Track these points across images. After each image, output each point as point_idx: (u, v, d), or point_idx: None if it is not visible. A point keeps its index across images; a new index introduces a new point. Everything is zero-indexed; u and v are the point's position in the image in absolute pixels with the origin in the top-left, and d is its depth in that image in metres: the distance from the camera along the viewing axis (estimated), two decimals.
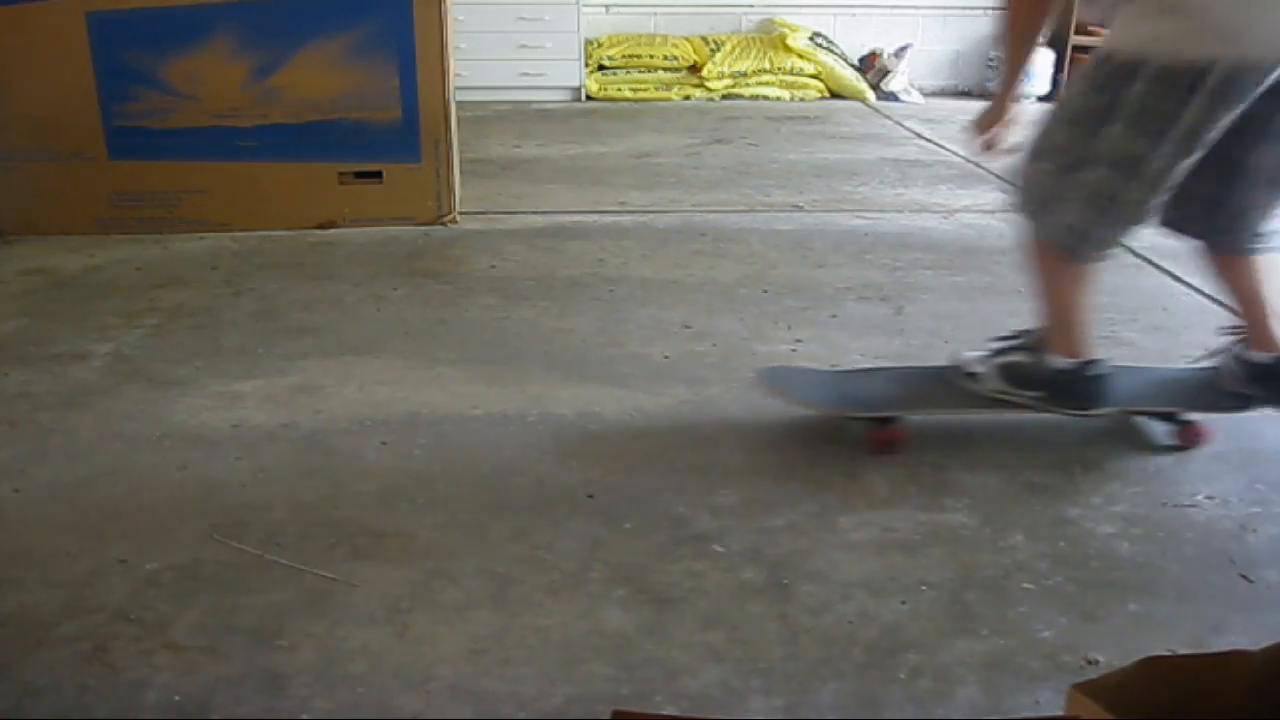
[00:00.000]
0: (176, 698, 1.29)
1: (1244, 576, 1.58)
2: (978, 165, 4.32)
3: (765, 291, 2.76)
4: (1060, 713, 0.91)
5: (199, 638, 1.40)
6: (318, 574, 1.54)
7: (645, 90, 5.81)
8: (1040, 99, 6.05)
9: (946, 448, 1.94)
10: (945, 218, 3.50)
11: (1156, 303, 2.73)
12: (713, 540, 1.64)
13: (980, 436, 1.99)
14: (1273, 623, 1.49)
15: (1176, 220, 1.85)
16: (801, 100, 5.84)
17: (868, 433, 1.93)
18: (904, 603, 1.50)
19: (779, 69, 5.81)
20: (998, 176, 4.11)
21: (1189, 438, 1.96)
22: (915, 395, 2.00)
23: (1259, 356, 1.89)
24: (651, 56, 5.83)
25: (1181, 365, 2.18)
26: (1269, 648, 0.93)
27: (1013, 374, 1.92)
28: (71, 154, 3.09)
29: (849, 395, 2.02)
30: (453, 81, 3.21)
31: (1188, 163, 1.67)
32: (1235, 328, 1.96)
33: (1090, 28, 6.06)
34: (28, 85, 3.03)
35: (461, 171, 3.40)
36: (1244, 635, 1.44)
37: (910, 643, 1.42)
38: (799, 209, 3.57)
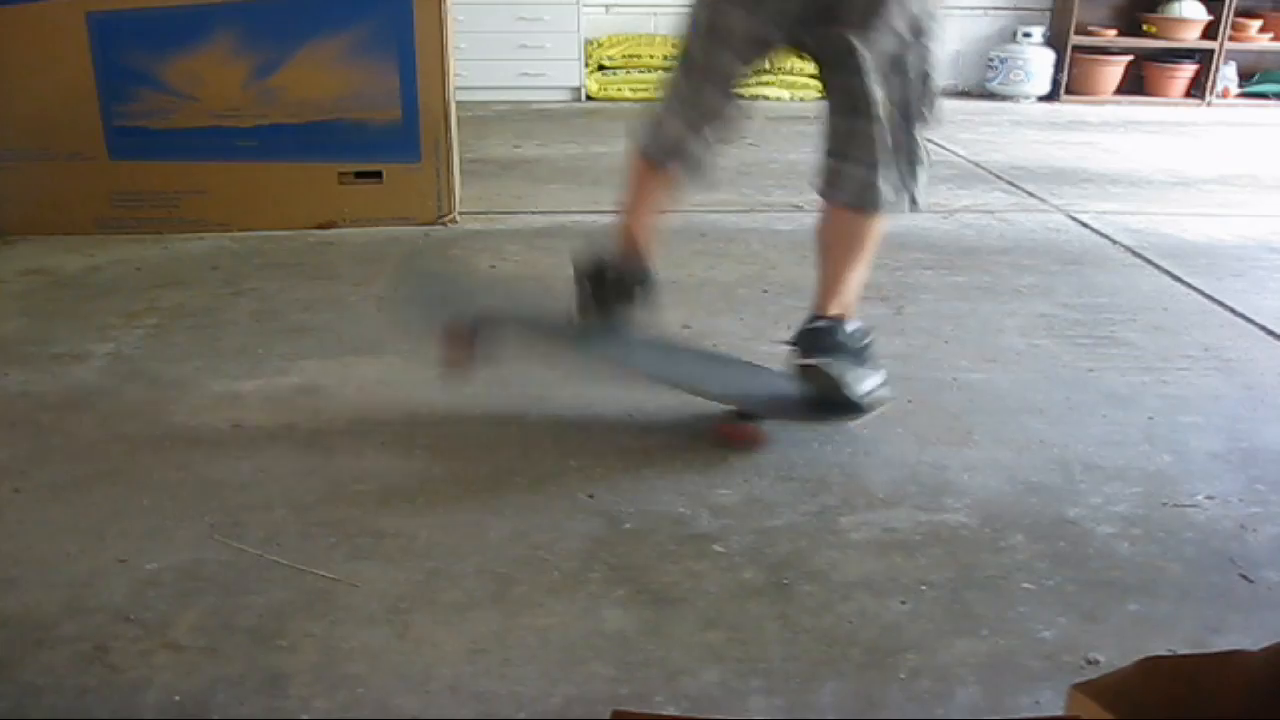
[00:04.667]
0: (176, 698, 1.29)
1: (1244, 576, 1.58)
2: (977, 165, 4.32)
3: (765, 291, 2.76)
4: (1060, 713, 0.91)
5: (199, 638, 1.40)
6: (318, 574, 1.54)
7: (645, 90, 5.81)
8: (1040, 99, 6.06)
9: (946, 446, 1.94)
10: (945, 218, 3.50)
11: (1156, 303, 2.73)
12: (713, 540, 1.64)
13: (980, 435, 1.99)
14: (1273, 623, 1.49)
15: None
16: (801, 100, 5.84)
17: None
18: (904, 603, 1.50)
19: (779, 69, 5.80)
20: (998, 176, 4.11)
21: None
22: None
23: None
24: (651, 56, 5.82)
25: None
26: (1269, 648, 0.93)
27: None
28: (71, 154, 3.09)
29: None
30: (453, 81, 3.21)
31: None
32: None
33: (1091, 28, 6.06)
34: (28, 85, 3.03)
35: (461, 171, 3.40)
36: (1244, 635, 1.44)
37: (910, 643, 1.42)
38: (799, 209, 3.57)
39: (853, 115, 1.79)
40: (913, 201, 1.84)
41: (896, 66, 1.75)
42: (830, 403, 1.90)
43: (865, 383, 1.92)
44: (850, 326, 1.93)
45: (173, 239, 3.12)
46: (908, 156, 1.82)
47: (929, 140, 1.86)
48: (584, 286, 1.93)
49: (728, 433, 1.94)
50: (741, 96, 1.88)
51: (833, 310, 1.92)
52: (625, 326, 1.95)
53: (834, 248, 1.91)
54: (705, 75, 1.83)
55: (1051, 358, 2.36)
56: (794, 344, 1.91)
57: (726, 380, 2.08)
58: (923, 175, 1.84)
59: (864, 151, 1.80)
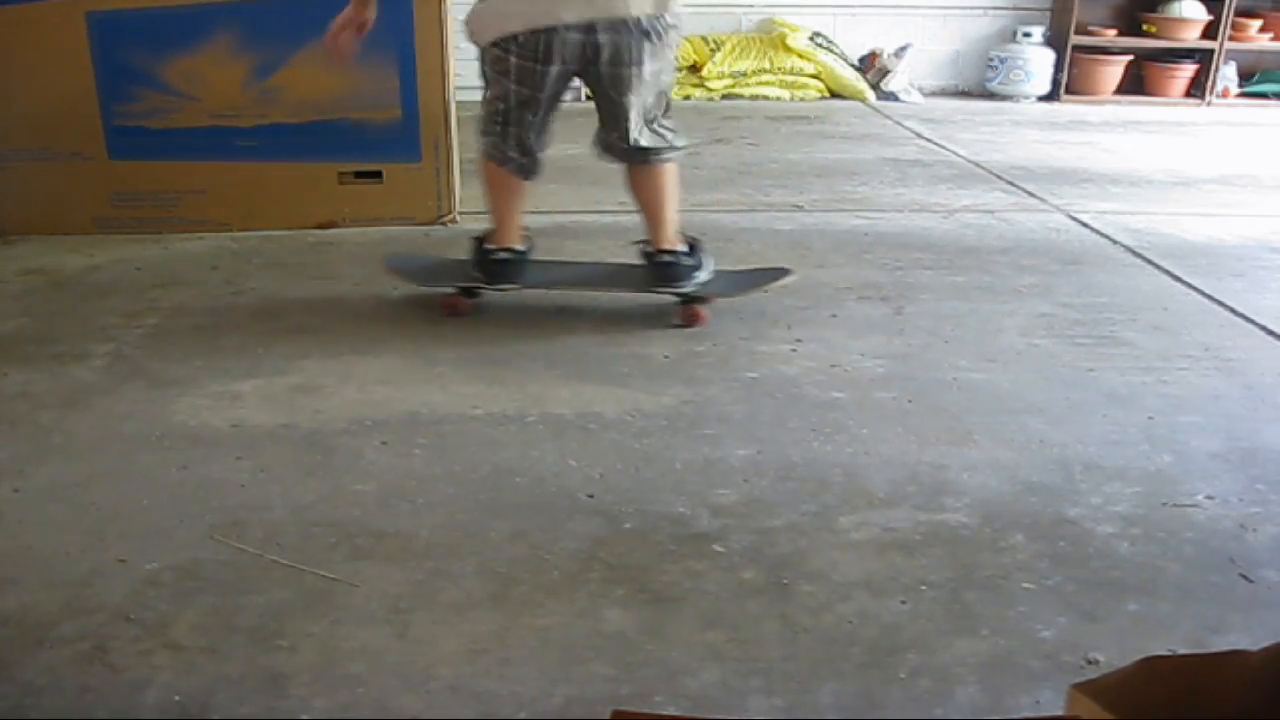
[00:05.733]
0: (176, 698, 1.29)
1: (1244, 576, 1.58)
2: (977, 165, 4.32)
3: (765, 291, 2.75)
4: (1060, 713, 0.91)
5: (199, 638, 1.40)
6: (318, 574, 1.54)
7: None
8: (1040, 99, 6.06)
9: (946, 446, 1.94)
10: (945, 218, 3.50)
11: (1156, 303, 2.73)
12: (713, 540, 1.64)
13: (980, 435, 1.99)
14: (1273, 623, 1.49)
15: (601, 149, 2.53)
16: (801, 100, 5.84)
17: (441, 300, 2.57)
18: (904, 603, 1.50)
19: (779, 69, 5.80)
20: (998, 176, 4.11)
21: (689, 317, 2.51)
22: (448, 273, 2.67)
23: (650, 250, 2.55)
24: None
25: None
26: (1269, 648, 0.93)
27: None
28: (71, 154, 3.09)
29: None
30: (453, 81, 3.21)
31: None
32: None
33: (1091, 28, 6.06)
34: (28, 85, 3.03)
35: (461, 171, 3.39)
36: (1244, 635, 1.44)
37: (910, 643, 1.42)
38: (799, 209, 3.57)
39: (614, 122, 2.43)
40: (671, 147, 2.49)
41: (650, 85, 2.37)
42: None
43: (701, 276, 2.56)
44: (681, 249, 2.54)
45: (173, 239, 3.12)
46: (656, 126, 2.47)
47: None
48: (477, 264, 2.56)
49: (445, 304, 2.56)
50: (551, 118, 2.46)
51: (665, 245, 2.53)
52: (513, 287, 2.57)
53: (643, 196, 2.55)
54: (524, 110, 2.40)
55: (1051, 358, 2.37)
56: (651, 275, 2.55)
57: (593, 274, 2.74)
58: (670, 130, 2.50)
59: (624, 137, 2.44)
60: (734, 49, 5.84)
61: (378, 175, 3.22)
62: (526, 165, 2.51)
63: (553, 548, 1.61)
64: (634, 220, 3.39)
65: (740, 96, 5.82)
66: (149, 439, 1.93)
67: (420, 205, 3.26)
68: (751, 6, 6.08)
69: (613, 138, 2.47)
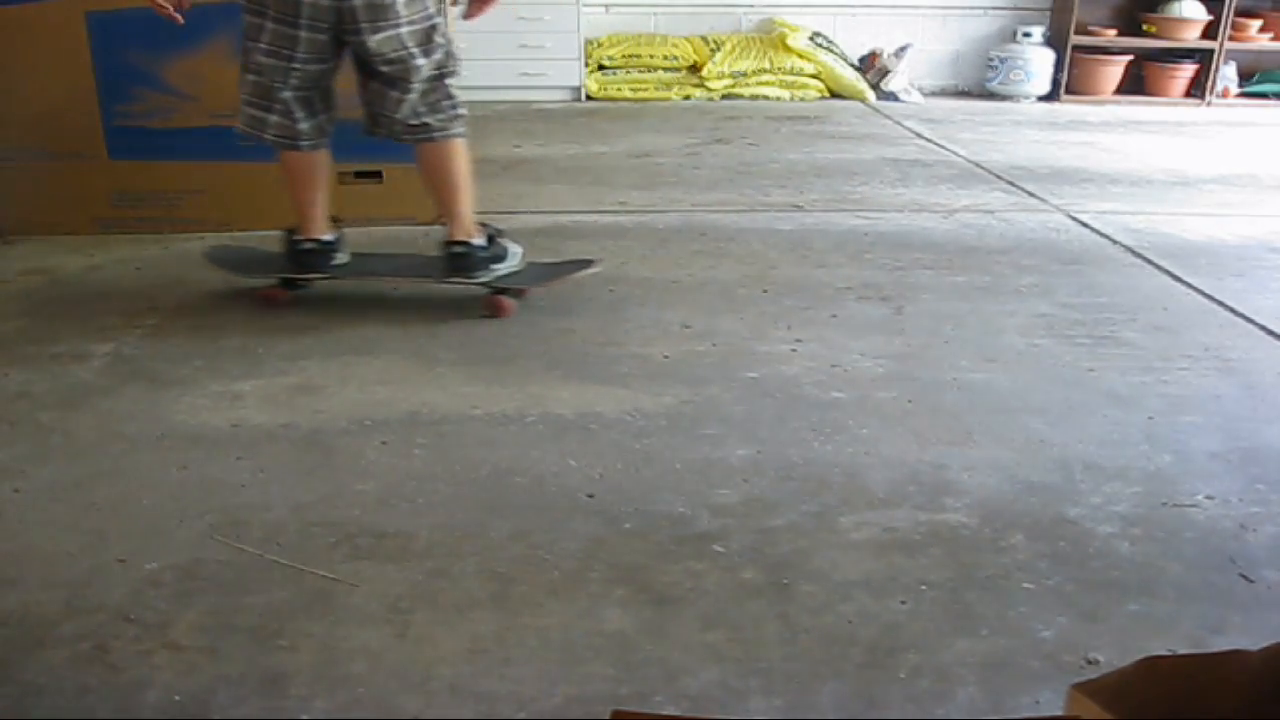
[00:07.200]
0: (176, 698, 1.29)
1: (1244, 576, 1.58)
2: (977, 165, 4.32)
3: (765, 291, 2.76)
4: (1060, 713, 0.91)
5: (199, 638, 1.40)
6: (318, 574, 1.54)
7: (645, 90, 5.81)
8: (1040, 99, 6.06)
9: (946, 446, 1.94)
10: (945, 218, 3.50)
11: (1156, 303, 2.73)
12: (713, 540, 1.64)
13: (980, 435, 1.99)
14: (1273, 623, 1.49)
15: (368, 127, 2.49)
16: (801, 100, 5.84)
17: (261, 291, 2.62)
18: (904, 603, 1.50)
19: (779, 69, 5.80)
20: (998, 176, 4.11)
21: (491, 307, 2.53)
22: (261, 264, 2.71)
23: (445, 239, 2.54)
24: (651, 56, 5.82)
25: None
26: (1269, 648, 0.93)
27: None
28: (71, 154, 3.09)
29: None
30: None
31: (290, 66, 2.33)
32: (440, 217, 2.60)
33: (1091, 28, 6.06)
34: (28, 85, 3.03)
35: None
36: (1244, 635, 1.44)
37: (910, 643, 1.42)
38: (799, 209, 3.57)
39: (393, 87, 2.38)
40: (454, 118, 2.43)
41: (424, 45, 2.33)
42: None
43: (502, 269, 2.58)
44: (478, 242, 2.53)
45: (173, 239, 3.12)
46: (438, 98, 2.40)
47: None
48: (286, 255, 2.58)
49: (263, 295, 2.60)
50: (318, 81, 2.41)
51: (459, 235, 2.51)
52: (322, 276, 2.61)
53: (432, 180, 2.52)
54: (288, 55, 2.33)
55: (1051, 358, 2.37)
56: (444, 265, 2.53)
57: (402, 265, 2.77)
58: (455, 107, 2.43)
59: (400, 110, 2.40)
60: (734, 49, 5.84)
61: (378, 175, 3.22)
62: (291, 131, 2.41)
63: (553, 548, 1.61)
64: (634, 220, 3.40)
65: (740, 96, 5.82)
66: (149, 439, 1.93)
67: (420, 205, 3.25)
68: (751, 6, 6.08)
69: (386, 115, 2.39)
